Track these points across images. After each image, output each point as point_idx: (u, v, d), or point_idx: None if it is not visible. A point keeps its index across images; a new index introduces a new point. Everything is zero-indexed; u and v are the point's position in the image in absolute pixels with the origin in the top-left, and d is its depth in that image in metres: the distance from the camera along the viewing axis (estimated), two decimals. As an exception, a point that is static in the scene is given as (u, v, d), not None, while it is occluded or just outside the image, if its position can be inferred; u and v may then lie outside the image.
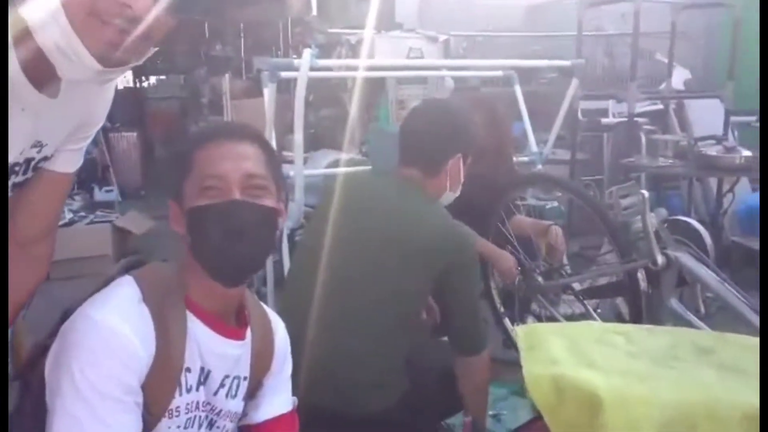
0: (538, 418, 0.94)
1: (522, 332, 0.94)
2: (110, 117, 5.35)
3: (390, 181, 1.73)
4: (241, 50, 7.23)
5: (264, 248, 1.04)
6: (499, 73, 3.37)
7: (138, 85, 8.70)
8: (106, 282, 1.01)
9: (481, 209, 2.27)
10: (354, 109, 3.95)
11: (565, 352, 0.90)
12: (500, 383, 2.30)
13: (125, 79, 9.22)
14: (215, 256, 0.99)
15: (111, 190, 4.89)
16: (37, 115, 0.92)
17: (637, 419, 0.80)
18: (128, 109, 7.43)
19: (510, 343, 2.48)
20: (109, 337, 0.90)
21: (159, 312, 0.95)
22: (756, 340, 0.97)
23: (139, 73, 8.78)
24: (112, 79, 0.98)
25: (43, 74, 0.87)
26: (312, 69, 2.54)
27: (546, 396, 0.85)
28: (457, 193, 1.75)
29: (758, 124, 4.33)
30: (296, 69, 2.53)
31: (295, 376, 1.43)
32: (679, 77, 4.63)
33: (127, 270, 1.04)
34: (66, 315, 0.99)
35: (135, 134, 6.04)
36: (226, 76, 4.37)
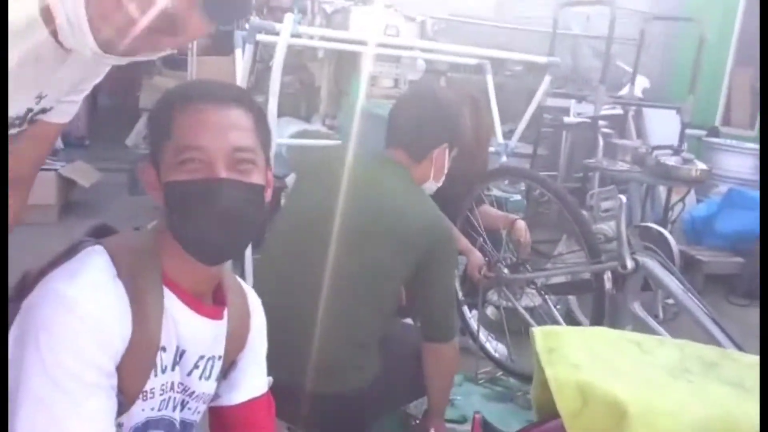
0: (542, 421, 0.94)
1: (539, 334, 0.95)
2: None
3: (377, 161, 1.71)
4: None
5: (251, 228, 0.94)
6: (474, 60, 3.38)
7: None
8: (70, 250, 0.91)
9: (455, 198, 2.28)
10: (323, 80, 3.87)
11: (586, 357, 0.91)
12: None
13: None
14: (196, 237, 0.90)
15: (54, 137, 4.63)
16: (49, 66, 0.83)
17: (662, 431, 0.82)
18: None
19: (466, 331, 2.52)
20: (83, 316, 0.81)
21: (135, 288, 0.87)
22: (755, 359, 1.02)
23: (87, 15, 8.32)
24: (117, 63, 0.86)
25: None
26: (292, 35, 2.48)
27: (570, 401, 0.86)
28: (439, 184, 1.75)
29: (708, 139, 4.54)
30: (276, 33, 2.46)
31: (270, 354, 1.40)
32: (639, 85, 4.77)
33: (92, 237, 0.95)
34: (25, 280, 0.89)
35: (82, 80, 5.73)
36: (194, 30, 4.16)
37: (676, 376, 0.93)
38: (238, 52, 2.71)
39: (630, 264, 1.77)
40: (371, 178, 1.64)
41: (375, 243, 1.53)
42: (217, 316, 1.00)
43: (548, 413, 0.91)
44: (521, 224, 2.35)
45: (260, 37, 2.61)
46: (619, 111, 4.45)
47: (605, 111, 4.38)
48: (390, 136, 1.72)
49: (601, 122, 4.10)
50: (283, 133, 3.66)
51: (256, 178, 0.92)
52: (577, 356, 0.91)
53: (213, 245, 0.91)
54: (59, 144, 4.81)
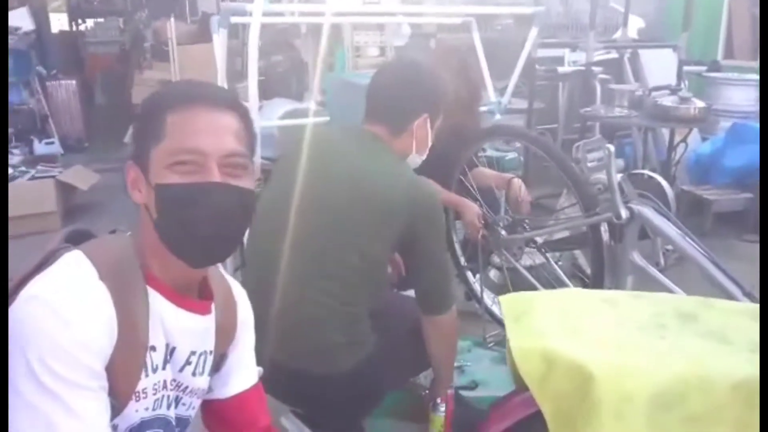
0: (517, 391, 0.92)
1: (505, 302, 0.92)
2: (46, 64, 4.99)
3: (355, 135, 1.67)
4: (185, -9, 6.87)
5: (239, 233, 0.95)
6: (458, 19, 3.30)
7: (74, 28, 8.19)
8: (48, 257, 0.90)
9: (447, 161, 2.24)
10: (309, 56, 3.82)
11: (552, 322, 0.88)
12: (463, 336, 2.33)
13: (60, 21, 8.68)
14: (186, 241, 0.89)
15: (52, 143, 4.64)
16: None
17: (629, 391, 0.79)
18: (65, 54, 7.03)
19: (472, 296, 2.51)
20: (67, 319, 0.81)
21: (118, 289, 0.87)
22: (739, 305, 0.98)
23: (75, 15, 8.27)
24: None
25: None
26: (265, 14, 2.42)
27: (534, 369, 0.84)
28: (423, 157, 1.70)
29: (708, 75, 4.41)
30: (248, 14, 2.40)
31: (261, 335, 1.39)
32: (633, 26, 4.64)
33: (69, 242, 0.94)
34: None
35: (74, 82, 5.70)
36: (171, 20, 4.12)
37: (648, 334, 0.90)
38: (216, 37, 2.66)
39: (624, 213, 1.73)
40: (349, 153, 1.61)
41: (356, 218, 1.51)
42: (204, 310, 1.00)
43: (523, 382, 0.89)
44: (517, 182, 2.31)
45: (234, 19, 2.56)
46: (614, 55, 4.35)
47: (600, 56, 4.27)
48: (368, 109, 1.68)
49: (596, 69, 4.01)
50: (273, 114, 3.62)
51: (247, 183, 0.92)
52: (544, 322, 0.88)
53: (202, 249, 0.91)
54: (58, 149, 4.82)
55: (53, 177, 3.81)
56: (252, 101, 2.42)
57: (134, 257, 0.92)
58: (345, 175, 1.56)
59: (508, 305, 0.91)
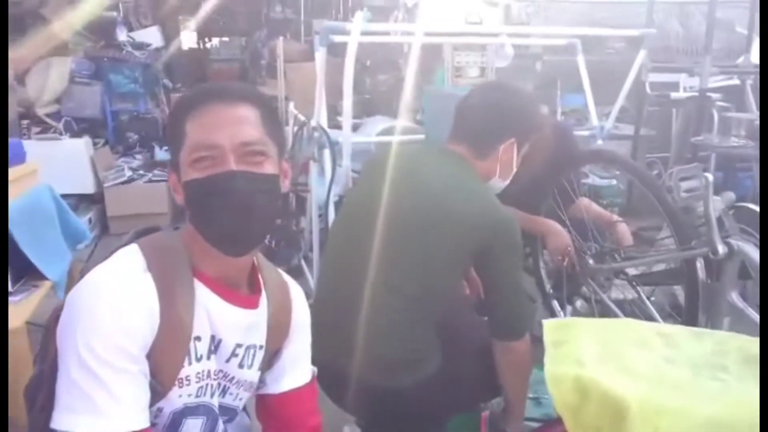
0: (557, 421, 0.87)
1: (548, 327, 0.87)
2: (172, 77, 5.38)
3: (438, 154, 1.67)
4: (301, 12, 7.17)
5: (267, 216, 0.98)
6: (563, 41, 3.22)
7: (201, 46, 8.78)
8: (113, 252, 0.98)
9: (537, 185, 2.18)
10: (409, 74, 3.85)
11: (593, 351, 0.83)
12: (542, 366, 2.23)
13: (191, 39, 9.35)
14: (216, 230, 0.94)
15: (170, 150, 4.98)
16: None
17: (666, 431, 0.73)
18: (191, 69, 7.53)
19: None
20: (110, 303, 0.87)
21: (164, 280, 0.92)
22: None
23: (203, 34, 8.87)
24: None
25: None
26: (364, 33, 2.48)
27: (566, 396, 0.79)
28: (507, 182, 1.67)
29: None
30: (347, 33, 2.48)
31: (327, 345, 1.41)
32: (758, 51, 4.31)
33: (137, 238, 1.01)
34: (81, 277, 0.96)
35: (195, 95, 6.11)
36: (280, 38, 4.34)
37: (700, 374, 0.82)
38: (317, 55, 2.76)
39: (722, 249, 1.60)
40: (429, 170, 1.61)
41: (430, 236, 1.51)
42: (251, 304, 1.04)
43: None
44: (623, 228, 2.19)
45: (338, 38, 2.64)
46: (735, 81, 4.05)
47: (719, 83, 4.00)
48: (454, 129, 1.68)
49: (714, 95, 3.75)
50: (372, 130, 3.69)
51: (269, 168, 0.96)
52: (584, 351, 0.83)
53: (233, 236, 0.95)
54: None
55: (167, 181, 4.09)
56: (346, 117, 2.49)
57: (184, 251, 0.97)
58: (423, 192, 1.55)
59: (550, 330, 0.86)
